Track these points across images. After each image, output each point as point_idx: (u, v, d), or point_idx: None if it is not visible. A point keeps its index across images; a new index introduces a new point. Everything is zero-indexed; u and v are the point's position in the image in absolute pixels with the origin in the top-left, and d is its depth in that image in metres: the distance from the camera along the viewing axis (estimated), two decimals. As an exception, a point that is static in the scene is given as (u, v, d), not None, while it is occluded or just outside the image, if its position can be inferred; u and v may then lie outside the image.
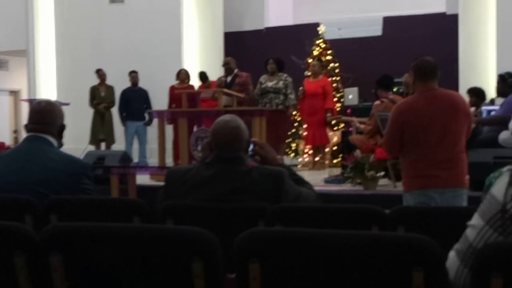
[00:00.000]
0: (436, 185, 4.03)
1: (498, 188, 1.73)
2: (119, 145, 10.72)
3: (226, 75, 9.25)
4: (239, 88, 8.83)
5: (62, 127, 3.23)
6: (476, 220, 1.75)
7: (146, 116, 10.66)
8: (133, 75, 10.91)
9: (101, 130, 10.93)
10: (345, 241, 1.75)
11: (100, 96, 10.97)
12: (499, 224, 1.69)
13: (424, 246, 1.67)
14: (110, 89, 11.08)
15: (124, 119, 10.83)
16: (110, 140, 10.96)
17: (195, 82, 11.03)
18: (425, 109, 4.04)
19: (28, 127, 3.20)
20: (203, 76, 10.75)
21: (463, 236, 1.76)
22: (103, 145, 11.05)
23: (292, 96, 9.38)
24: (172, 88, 10.44)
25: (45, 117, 3.16)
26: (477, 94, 7.88)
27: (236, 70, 9.14)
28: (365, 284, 1.74)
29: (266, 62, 9.49)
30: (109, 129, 10.98)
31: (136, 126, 10.82)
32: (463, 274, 1.71)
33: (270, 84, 9.35)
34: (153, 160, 9.78)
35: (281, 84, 9.31)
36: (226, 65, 9.24)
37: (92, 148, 10.42)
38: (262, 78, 9.49)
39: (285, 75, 9.41)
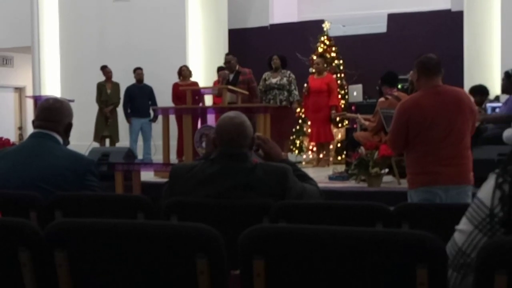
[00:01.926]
0: (441, 182, 4.03)
1: (484, 192, 1.73)
2: (123, 141, 10.73)
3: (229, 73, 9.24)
4: (243, 86, 8.83)
5: (69, 126, 3.22)
6: (464, 225, 1.75)
7: (151, 112, 10.66)
8: (138, 71, 10.91)
9: (105, 127, 10.94)
10: (349, 237, 1.75)
11: (106, 93, 10.98)
12: (489, 228, 1.69)
13: (428, 243, 1.67)
14: (116, 86, 11.08)
15: (128, 116, 10.84)
16: (115, 138, 10.97)
17: (198, 78, 11.03)
18: (430, 105, 4.03)
19: (35, 124, 3.20)
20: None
21: (451, 240, 1.76)
22: (107, 142, 11.06)
23: (296, 92, 9.42)
24: (176, 85, 10.43)
25: (52, 115, 3.15)
26: (478, 92, 7.85)
27: (237, 67, 9.14)
28: (369, 280, 1.74)
29: (270, 59, 9.51)
30: (114, 127, 10.99)
31: (141, 123, 10.82)
32: (452, 278, 1.71)
33: (274, 80, 9.39)
34: (157, 156, 9.79)
35: (285, 80, 9.36)
36: (227, 63, 9.22)
37: (96, 145, 10.43)
38: (266, 75, 9.52)
39: (288, 71, 9.47)
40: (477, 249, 1.71)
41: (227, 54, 9.58)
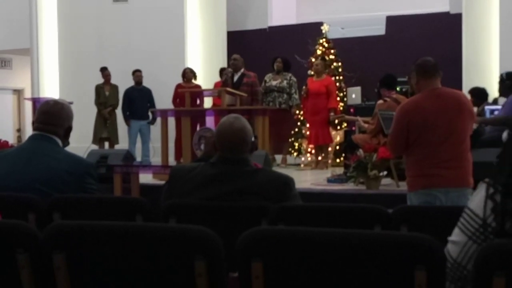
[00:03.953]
0: (441, 185, 4.02)
1: (476, 203, 1.73)
2: (122, 144, 10.73)
3: (232, 71, 9.23)
4: (247, 89, 8.82)
5: (69, 129, 3.22)
6: (457, 236, 1.74)
7: (150, 115, 10.66)
8: (137, 74, 10.90)
9: (104, 129, 10.94)
10: (348, 240, 1.75)
11: (104, 96, 10.98)
12: (482, 239, 1.69)
13: (426, 245, 1.67)
14: (115, 89, 11.07)
15: (127, 118, 10.83)
16: (114, 140, 10.97)
17: (200, 80, 11.05)
18: (430, 107, 4.03)
19: (34, 126, 3.20)
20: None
21: (444, 252, 1.75)
22: (106, 144, 11.06)
23: (296, 96, 9.45)
24: (178, 86, 10.44)
25: (52, 118, 3.14)
26: (475, 94, 7.87)
27: (243, 69, 9.14)
28: (368, 283, 1.74)
29: (273, 60, 9.56)
30: (113, 129, 10.99)
31: (140, 125, 10.82)
32: None
33: (274, 83, 9.42)
34: (156, 159, 9.79)
35: (285, 83, 9.39)
36: (233, 60, 9.20)
37: (95, 147, 10.42)
38: (267, 77, 9.57)
39: (290, 74, 9.53)
40: (472, 260, 1.71)
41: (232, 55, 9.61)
